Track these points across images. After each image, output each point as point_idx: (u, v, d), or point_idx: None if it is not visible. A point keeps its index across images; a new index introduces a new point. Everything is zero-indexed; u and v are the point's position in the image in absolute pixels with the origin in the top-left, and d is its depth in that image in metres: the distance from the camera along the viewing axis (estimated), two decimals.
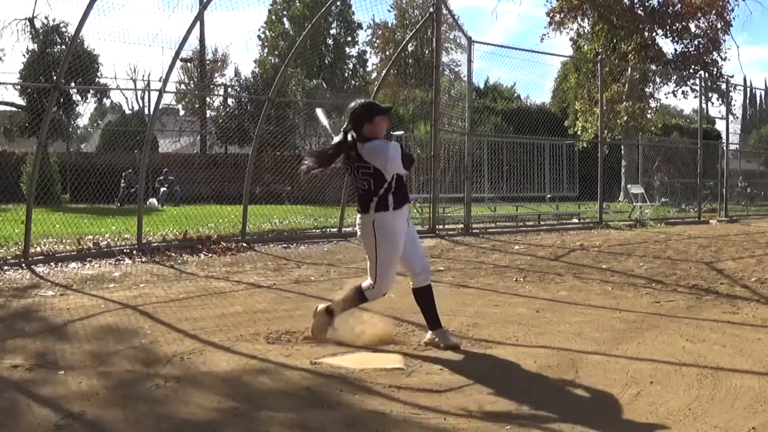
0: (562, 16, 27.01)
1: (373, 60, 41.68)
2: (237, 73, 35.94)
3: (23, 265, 7.70)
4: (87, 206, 15.47)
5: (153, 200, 20.36)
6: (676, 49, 27.78)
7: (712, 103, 25.18)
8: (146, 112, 30.70)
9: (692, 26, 26.98)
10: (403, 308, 5.67)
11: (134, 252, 8.79)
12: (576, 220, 15.37)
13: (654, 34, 26.93)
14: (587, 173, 16.57)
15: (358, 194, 4.42)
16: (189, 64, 34.11)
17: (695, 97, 24.96)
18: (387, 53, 37.65)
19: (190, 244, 9.50)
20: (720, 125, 25.60)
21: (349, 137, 4.31)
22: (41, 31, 22.90)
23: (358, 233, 4.51)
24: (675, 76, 27.09)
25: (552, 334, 4.89)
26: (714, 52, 27.03)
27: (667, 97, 49.77)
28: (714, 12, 26.48)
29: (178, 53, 10.38)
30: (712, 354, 4.35)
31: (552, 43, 76.09)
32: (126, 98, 55.26)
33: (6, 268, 7.55)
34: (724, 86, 22.61)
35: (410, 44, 17.27)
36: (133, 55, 58.01)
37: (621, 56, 25.52)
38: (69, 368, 3.94)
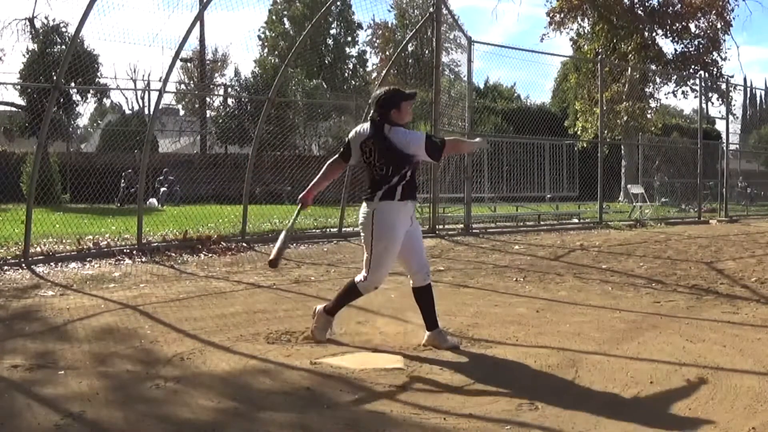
0: (562, 16, 27.01)
1: (373, 60, 41.73)
2: (237, 73, 36.00)
3: (23, 265, 7.70)
4: (87, 206, 15.47)
5: (153, 200, 20.36)
6: (676, 49, 27.82)
7: (712, 103, 25.22)
8: (146, 112, 30.71)
9: (692, 26, 26.99)
10: (403, 308, 5.67)
11: (134, 252, 8.79)
12: (576, 220, 15.37)
13: (654, 34, 26.93)
14: (587, 173, 16.58)
15: (371, 181, 4.41)
16: (189, 64, 34.12)
17: (695, 97, 24.97)
18: (387, 53, 37.66)
19: (190, 244, 9.50)
20: (720, 125, 25.62)
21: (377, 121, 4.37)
22: (41, 31, 22.89)
23: (360, 221, 4.51)
24: (675, 76, 27.09)
25: (552, 334, 4.89)
26: (714, 52, 27.04)
27: (666, 97, 49.81)
28: (714, 12, 26.48)
29: (178, 53, 10.38)
30: (712, 354, 4.35)
31: (552, 43, 76.10)
32: (126, 98, 55.35)
33: (6, 268, 7.55)
34: (724, 86, 22.61)
35: (410, 44, 17.24)
36: (133, 55, 58.14)
37: (621, 56, 25.53)
38: (69, 368, 3.94)
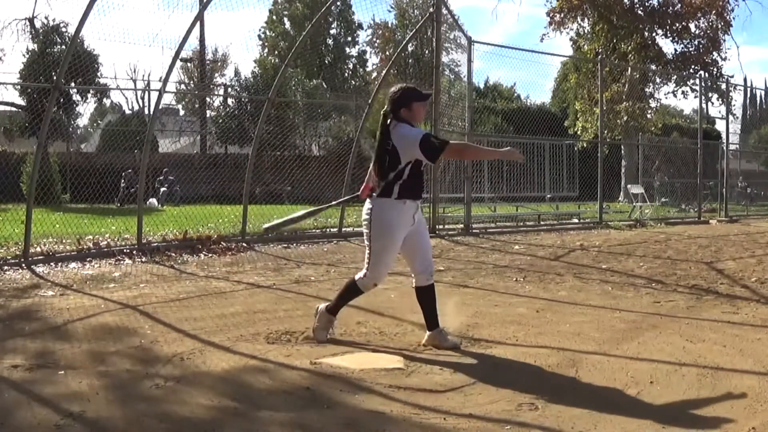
0: (562, 16, 27.01)
1: (373, 60, 41.73)
2: (237, 73, 35.99)
3: (23, 265, 7.70)
4: (87, 206, 15.47)
5: (153, 200, 20.37)
6: (676, 49, 27.82)
7: (712, 103, 25.22)
8: (146, 112, 30.71)
9: (692, 26, 26.99)
10: (403, 308, 5.67)
11: (134, 252, 8.79)
12: (576, 220, 15.37)
13: (654, 34, 26.93)
14: (587, 173, 16.58)
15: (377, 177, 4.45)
16: (189, 64, 34.12)
17: (695, 97, 24.98)
18: (387, 53, 37.65)
19: (190, 244, 9.50)
20: (720, 125, 25.62)
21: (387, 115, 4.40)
22: (41, 31, 22.89)
23: (363, 217, 4.51)
24: (675, 76, 27.09)
25: (552, 334, 4.89)
26: (714, 52, 27.04)
27: (666, 97, 49.78)
28: (714, 12, 26.48)
29: (178, 53, 10.38)
30: (712, 354, 4.35)
31: (552, 43, 76.09)
32: (126, 98, 55.39)
33: (6, 268, 7.55)
34: (723, 86, 22.62)
35: (410, 44, 17.25)
36: (133, 55, 58.13)
37: (621, 56, 25.53)
38: (69, 368, 3.94)
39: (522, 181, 15.82)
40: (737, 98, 32.91)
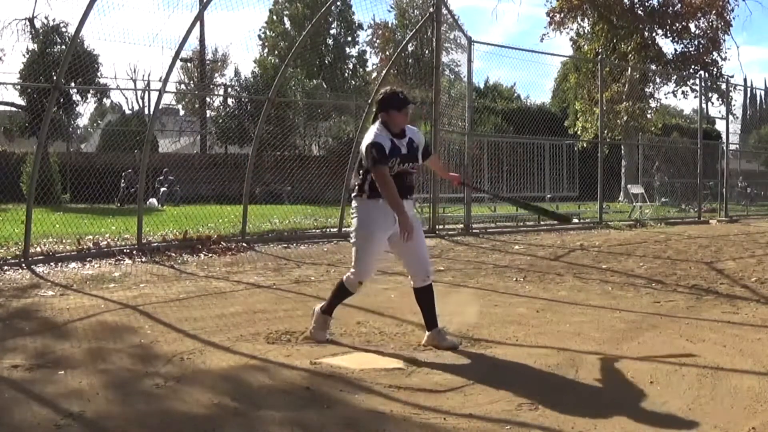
0: (562, 16, 27.01)
1: (373, 60, 41.70)
2: (237, 73, 35.98)
3: (23, 265, 7.70)
4: (87, 206, 15.46)
5: (153, 200, 20.37)
6: (676, 49, 27.81)
7: (712, 103, 25.21)
8: (146, 112, 30.70)
9: (692, 26, 26.99)
10: (403, 308, 5.67)
11: (134, 252, 8.79)
12: (576, 220, 15.37)
13: (654, 34, 26.93)
14: (587, 173, 16.58)
15: None
16: (189, 64, 34.11)
17: (695, 97, 24.98)
18: (387, 53, 37.64)
19: (190, 244, 9.50)
20: (720, 125, 25.61)
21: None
22: (41, 31, 22.89)
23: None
24: (675, 76, 27.09)
25: (552, 334, 4.89)
26: (714, 52, 27.04)
27: (666, 97, 49.78)
28: (714, 12, 26.47)
29: (178, 53, 10.38)
30: (712, 354, 4.35)
31: (552, 43, 76.04)
32: (126, 98, 55.36)
33: (6, 268, 7.55)
34: (723, 86, 22.62)
35: (410, 44, 17.25)
36: (133, 55, 58.13)
37: (621, 56, 25.53)
38: (69, 368, 3.94)
39: (522, 181, 15.81)
40: (737, 98, 32.89)
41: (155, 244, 9.34)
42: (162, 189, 21.42)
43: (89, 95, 22.80)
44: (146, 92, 31.60)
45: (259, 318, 5.30)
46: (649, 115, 26.01)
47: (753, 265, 8.57)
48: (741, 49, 70.30)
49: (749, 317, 5.50)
